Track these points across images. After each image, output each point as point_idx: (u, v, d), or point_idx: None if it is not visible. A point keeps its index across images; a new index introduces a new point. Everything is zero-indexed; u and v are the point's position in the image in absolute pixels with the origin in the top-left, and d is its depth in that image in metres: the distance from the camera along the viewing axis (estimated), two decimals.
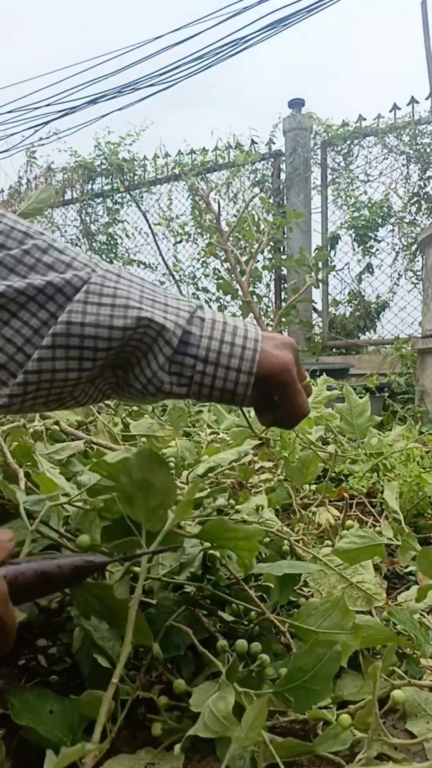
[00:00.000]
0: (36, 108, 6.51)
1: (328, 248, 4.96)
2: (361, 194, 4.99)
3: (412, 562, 1.10)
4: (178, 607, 0.72)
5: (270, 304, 5.36)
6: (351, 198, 4.96)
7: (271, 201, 5.33)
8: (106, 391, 0.65)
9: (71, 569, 0.54)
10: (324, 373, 2.23)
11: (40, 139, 6.61)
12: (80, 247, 6.54)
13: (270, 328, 4.94)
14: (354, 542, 0.78)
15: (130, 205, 6.27)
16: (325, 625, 0.67)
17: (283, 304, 5.11)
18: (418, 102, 4.66)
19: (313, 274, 4.70)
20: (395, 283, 4.91)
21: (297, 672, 0.60)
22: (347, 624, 0.66)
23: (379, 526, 1.20)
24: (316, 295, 5.07)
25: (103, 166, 6.15)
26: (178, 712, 0.67)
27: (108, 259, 6.32)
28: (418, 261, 4.68)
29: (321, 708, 0.61)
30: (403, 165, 4.83)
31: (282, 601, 0.81)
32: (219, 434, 1.72)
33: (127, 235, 6.34)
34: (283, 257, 5.10)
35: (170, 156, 5.87)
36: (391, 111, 4.78)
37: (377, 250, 4.93)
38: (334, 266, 5.00)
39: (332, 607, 0.67)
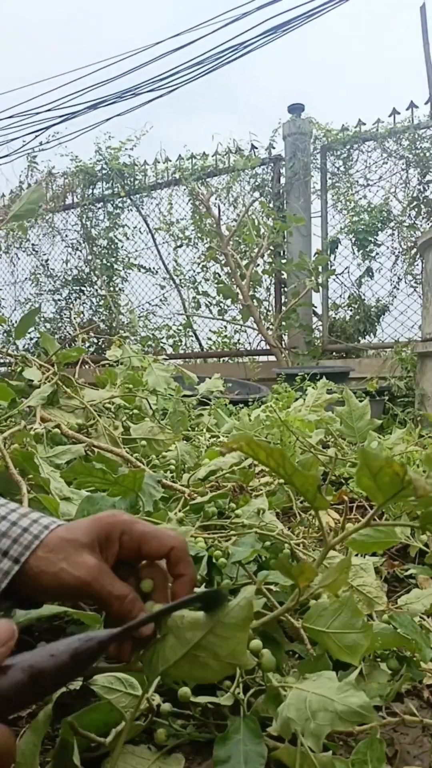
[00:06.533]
0: (37, 113, 6.53)
1: (328, 252, 4.97)
2: (360, 198, 5.01)
3: (413, 564, 1.10)
4: None
5: (270, 308, 5.37)
6: (351, 202, 4.97)
7: (271, 205, 5.34)
8: None
9: (69, 656, 0.43)
10: (324, 377, 2.23)
11: (41, 144, 6.63)
12: (81, 251, 6.56)
13: (270, 332, 4.95)
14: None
15: (131, 210, 6.28)
16: (335, 625, 0.66)
17: (284, 308, 5.12)
18: (417, 106, 4.67)
19: (313, 278, 4.70)
20: (395, 287, 4.92)
21: None
22: (357, 623, 0.65)
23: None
24: (316, 299, 5.07)
25: (104, 171, 6.17)
26: (183, 720, 0.67)
27: (109, 263, 6.34)
28: (417, 265, 4.69)
29: None
30: (403, 169, 4.84)
31: None
32: (219, 438, 1.72)
33: (127, 239, 6.36)
34: (283, 261, 5.11)
35: (171, 161, 5.89)
36: (390, 115, 4.79)
37: (377, 254, 4.93)
38: (334, 270, 5.01)
39: (341, 607, 0.66)
